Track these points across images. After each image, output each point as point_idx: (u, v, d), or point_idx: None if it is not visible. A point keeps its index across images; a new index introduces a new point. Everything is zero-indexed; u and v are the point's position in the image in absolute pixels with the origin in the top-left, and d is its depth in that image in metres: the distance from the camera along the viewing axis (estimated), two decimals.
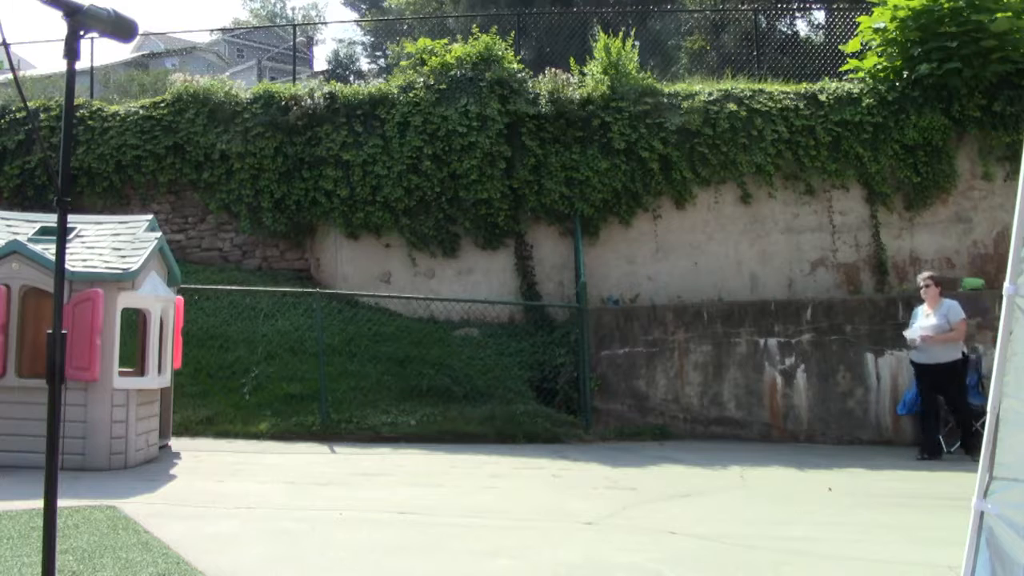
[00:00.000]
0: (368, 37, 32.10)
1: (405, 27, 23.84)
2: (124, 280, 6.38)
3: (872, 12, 11.43)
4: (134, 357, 6.89)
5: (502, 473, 6.88)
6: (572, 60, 11.96)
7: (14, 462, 6.03)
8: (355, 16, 35.10)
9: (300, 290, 10.44)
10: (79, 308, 6.11)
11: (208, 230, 11.72)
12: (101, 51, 63.20)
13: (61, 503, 2.90)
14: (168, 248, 7.24)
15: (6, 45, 2.57)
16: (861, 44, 11.80)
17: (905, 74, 11.28)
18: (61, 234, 2.55)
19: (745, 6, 17.98)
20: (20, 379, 6.25)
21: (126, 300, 6.43)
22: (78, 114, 11.47)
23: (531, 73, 11.70)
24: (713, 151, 11.03)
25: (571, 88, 11.29)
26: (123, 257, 6.54)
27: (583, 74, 11.67)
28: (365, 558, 4.12)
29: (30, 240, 6.57)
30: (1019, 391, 2.68)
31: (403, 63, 12.44)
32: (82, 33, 2.50)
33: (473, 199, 10.97)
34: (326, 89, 11.56)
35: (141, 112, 11.61)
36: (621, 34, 11.64)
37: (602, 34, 11.79)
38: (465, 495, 5.86)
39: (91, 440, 6.22)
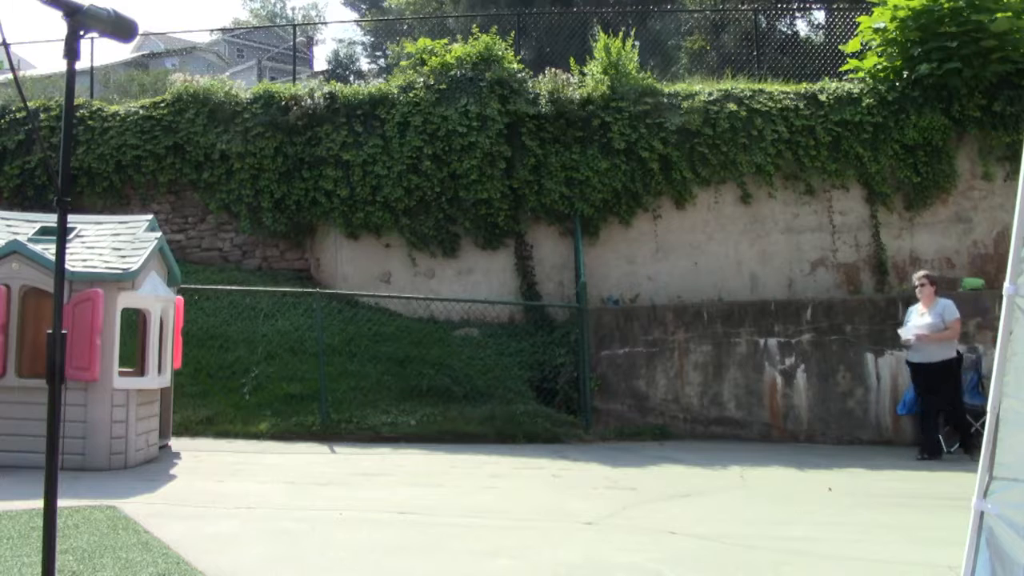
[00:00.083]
0: (368, 37, 32.11)
1: (405, 27, 23.84)
2: (124, 280, 6.38)
3: (872, 12, 11.43)
4: (134, 357, 6.89)
5: (502, 473, 6.88)
6: (572, 60, 11.96)
7: (14, 462, 6.03)
8: (355, 16, 35.13)
9: (300, 290, 10.44)
10: (79, 308, 6.11)
11: (208, 230, 11.72)
12: (101, 51, 63.23)
13: (61, 503, 2.90)
14: (168, 248, 7.24)
15: (6, 45, 2.57)
16: (861, 44, 11.80)
17: (905, 74, 11.28)
18: (61, 234, 2.55)
19: (745, 6, 17.98)
20: (20, 379, 6.25)
21: (126, 300, 6.43)
22: (78, 114, 11.47)
23: (531, 73, 11.70)
24: (713, 151, 11.03)
25: (571, 88, 11.29)
26: (123, 257, 6.54)
27: (583, 74, 11.67)
28: (365, 558, 4.12)
29: (30, 240, 6.57)
30: (1019, 391, 2.68)
31: (403, 63, 12.45)
32: (82, 33, 2.50)
33: (473, 199, 10.97)
34: (326, 89, 11.56)
35: (141, 112, 11.61)
36: (621, 34, 11.64)
37: (602, 34, 11.79)
38: (465, 495, 5.86)
39: (91, 440, 6.22)
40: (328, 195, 11.15)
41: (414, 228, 11.18)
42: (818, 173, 11.17)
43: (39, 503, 2.76)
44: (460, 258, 11.33)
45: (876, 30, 11.37)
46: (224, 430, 8.23)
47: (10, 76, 14.12)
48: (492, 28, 11.86)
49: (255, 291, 10.31)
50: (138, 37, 3.02)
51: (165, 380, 7.08)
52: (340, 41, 54.64)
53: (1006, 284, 2.73)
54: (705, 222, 11.29)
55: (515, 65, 11.47)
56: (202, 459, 7.02)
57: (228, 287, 10.18)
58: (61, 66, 2.61)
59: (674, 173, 11.02)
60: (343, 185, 11.11)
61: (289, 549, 4.19)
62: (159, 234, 7.02)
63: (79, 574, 3.57)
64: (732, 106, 11.07)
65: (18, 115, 11.57)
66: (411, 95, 11.19)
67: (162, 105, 11.61)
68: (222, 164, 11.37)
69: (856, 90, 11.37)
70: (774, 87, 11.61)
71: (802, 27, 21.06)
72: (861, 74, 11.66)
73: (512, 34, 12.86)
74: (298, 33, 26.72)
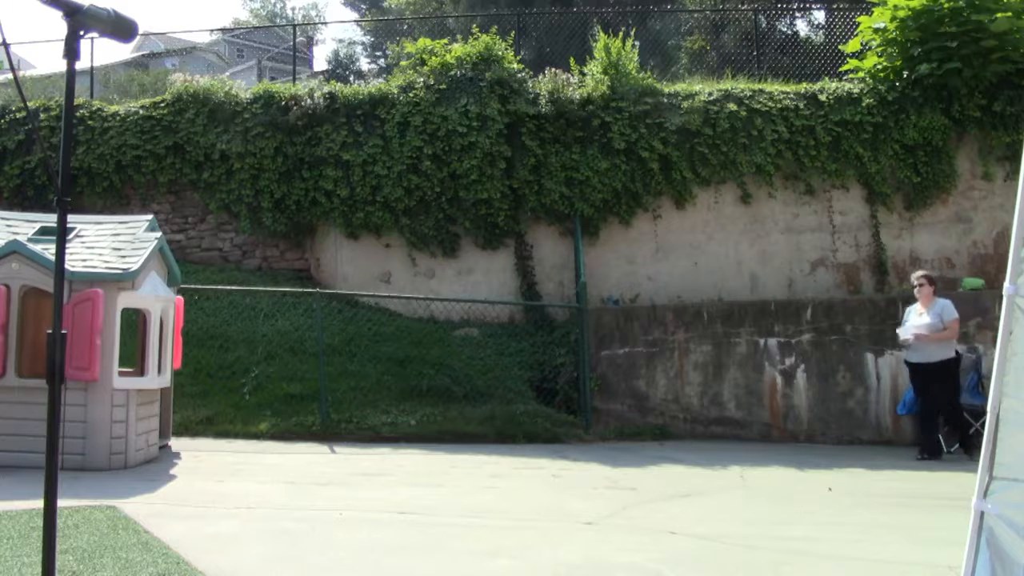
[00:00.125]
0: (368, 37, 32.11)
1: (405, 27, 23.84)
2: (124, 280, 6.38)
3: (872, 12, 11.43)
4: (134, 357, 6.89)
5: (502, 473, 6.88)
6: (572, 60, 11.96)
7: (14, 462, 6.03)
8: (355, 16, 35.13)
9: (300, 290, 10.44)
10: (79, 308, 6.11)
11: (208, 230, 11.72)
12: (101, 51, 63.23)
13: (61, 503, 2.90)
14: (168, 248, 7.24)
15: (6, 45, 2.57)
16: (861, 44, 11.80)
17: (905, 74, 11.28)
18: (61, 234, 2.55)
19: (745, 6, 17.98)
20: (20, 379, 6.25)
21: (126, 300, 6.43)
22: (78, 114, 11.48)
23: (531, 73, 11.70)
24: (713, 151, 11.03)
25: (571, 88, 11.29)
26: (123, 257, 6.54)
27: (583, 74, 11.67)
28: (365, 558, 4.12)
29: (30, 240, 6.57)
30: (1019, 391, 2.68)
31: (403, 63, 12.45)
32: (82, 33, 2.50)
33: (473, 199, 10.97)
34: (326, 89, 11.56)
35: (141, 112, 11.61)
36: (621, 34, 11.64)
37: (602, 34, 11.78)
38: (465, 495, 5.86)
39: (91, 440, 6.22)
40: (328, 195, 11.15)
41: (414, 228, 11.18)
42: (818, 173, 11.17)
43: (39, 503, 2.76)
44: (460, 258, 11.33)
45: (876, 30, 11.37)
46: (224, 430, 8.23)
47: (10, 76, 14.12)
48: (492, 28, 11.86)
49: (255, 291, 10.32)
50: (138, 37, 3.02)
51: (165, 380, 7.08)
52: (340, 41, 54.68)
53: (1006, 284, 2.73)
54: (705, 222, 11.29)
55: (515, 65, 11.47)
56: (202, 459, 7.02)
57: (228, 287, 10.18)
58: (61, 66, 2.61)
59: (674, 173, 11.02)
60: (343, 185, 11.11)
61: (289, 549, 4.19)
62: (159, 234, 7.02)
63: (79, 574, 3.57)
64: (732, 106, 11.08)
65: (18, 115, 11.57)
66: (411, 95, 11.20)
67: (162, 105, 11.61)
68: (222, 164, 11.37)
69: (856, 90, 11.37)
70: (774, 87, 11.61)
71: (802, 27, 21.08)
72: (861, 74, 11.66)
73: (512, 34, 12.85)
74: (298, 33, 26.72)
